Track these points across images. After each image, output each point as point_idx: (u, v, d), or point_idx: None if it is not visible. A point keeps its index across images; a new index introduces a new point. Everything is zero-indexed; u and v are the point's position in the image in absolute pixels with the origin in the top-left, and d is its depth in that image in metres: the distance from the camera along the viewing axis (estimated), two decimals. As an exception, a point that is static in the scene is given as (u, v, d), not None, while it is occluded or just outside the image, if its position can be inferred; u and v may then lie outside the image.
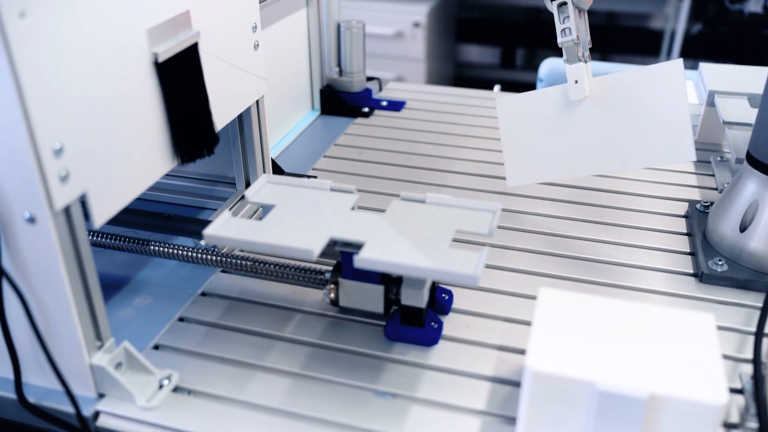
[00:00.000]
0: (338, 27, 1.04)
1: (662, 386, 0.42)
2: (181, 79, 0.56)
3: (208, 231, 0.53)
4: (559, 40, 0.68)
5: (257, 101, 0.70)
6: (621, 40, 2.54)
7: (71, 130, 0.45)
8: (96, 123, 0.47)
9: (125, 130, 0.51)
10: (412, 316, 0.57)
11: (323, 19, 1.02)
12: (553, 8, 0.68)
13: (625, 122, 0.68)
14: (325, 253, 0.55)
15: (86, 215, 0.48)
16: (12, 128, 0.41)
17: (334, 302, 0.59)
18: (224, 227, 0.53)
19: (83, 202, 0.48)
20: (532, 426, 0.46)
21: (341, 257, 0.56)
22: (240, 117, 0.70)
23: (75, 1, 0.44)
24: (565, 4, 0.67)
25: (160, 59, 0.52)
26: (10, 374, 0.51)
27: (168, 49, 0.53)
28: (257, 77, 0.69)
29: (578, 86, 0.69)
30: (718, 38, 2.34)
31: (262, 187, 0.60)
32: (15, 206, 0.45)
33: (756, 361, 0.52)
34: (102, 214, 0.49)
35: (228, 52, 0.63)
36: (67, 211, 0.46)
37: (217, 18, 0.60)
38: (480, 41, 2.76)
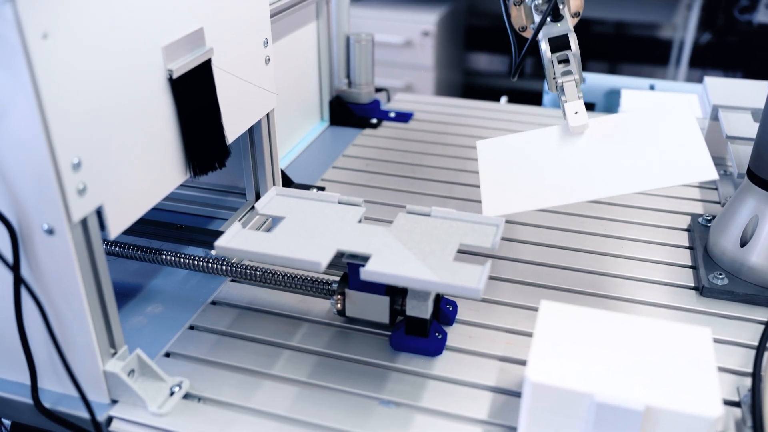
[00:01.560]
0: (347, 39, 1.06)
1: (658, 399, 0.43)
2: (194, 94, 0.57)
3: (219, 243, 0.54)
4: (559, 80, 0.67)
5: (267, 114, 0.72)
6: (630, 49, 2.55)
7: (89, 146, 0.46)
8: (112, 138, 0.49)
9: (140, 144, 0.52)
10: (417, 327, 0.58)
11: (333, 31, 1.04)
12: (553, 59, 0.67)
13: (633, 149, 0.64)
14: (332, 264, 0.56)
15: (102, 226, 0.50)
16: (33, 144, 0.43)
17: (341, 312, 0.60)
18: (235, 239, 0.55)
19: (99, 213, 0.49)
20: (531, 436, 0.47)
21: (348, 268, 0.58)
22: (251, 130, 0.71)
23: (94, 21, 0.46)
24: (566, 60, 0.67)
25: (174, 76, 0.54)
26: (26, 380, 0.53)
27: (182, 65, 0.55)
28: (268, 91, 0.71)
29: (578, 116, 0.67)
30: (727, 48, 2.35)
31: (272, 200, 0.62)
32: (34, 218, 0.46)
33: (755, 374, 0.53)
34: (117, 225, 0.51)
35: (240, 68, 0.65)
36: (84, 223, 0.48)
37: (229, 35, 0.62)
38: (489, 50, 2.77)
